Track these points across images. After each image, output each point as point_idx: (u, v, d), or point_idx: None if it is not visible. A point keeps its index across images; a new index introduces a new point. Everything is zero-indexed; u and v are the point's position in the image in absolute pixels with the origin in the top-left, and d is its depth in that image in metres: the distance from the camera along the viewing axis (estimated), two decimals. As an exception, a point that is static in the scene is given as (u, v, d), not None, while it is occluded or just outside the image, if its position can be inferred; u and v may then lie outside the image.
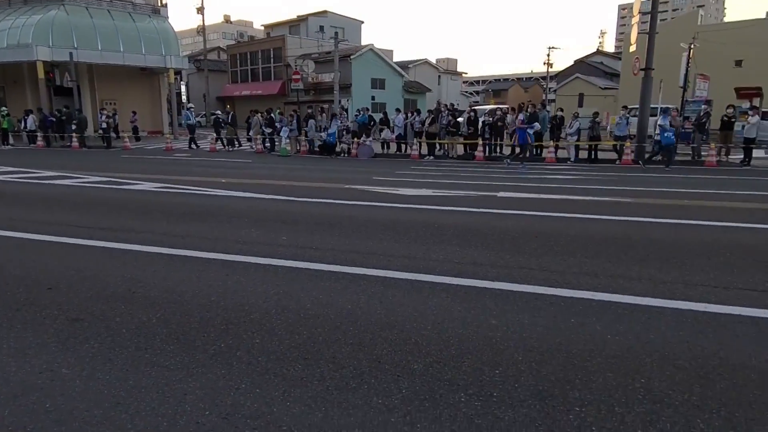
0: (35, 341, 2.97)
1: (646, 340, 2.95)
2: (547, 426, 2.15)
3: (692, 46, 16.24)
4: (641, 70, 14.58)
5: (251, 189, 8.94)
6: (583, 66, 50.34)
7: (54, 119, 21.94)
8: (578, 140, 15.56)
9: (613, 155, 15.67)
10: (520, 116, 15.11)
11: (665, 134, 13.48)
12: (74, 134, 20.65)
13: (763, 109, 19.06)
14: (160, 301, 3.54)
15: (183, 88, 43.35)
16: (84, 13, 24.94)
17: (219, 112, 23.25)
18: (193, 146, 20.69)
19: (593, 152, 15.55)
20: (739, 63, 33.09)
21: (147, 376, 2.56)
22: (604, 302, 3.53)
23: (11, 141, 22.01)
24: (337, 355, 2.77)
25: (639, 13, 14.76)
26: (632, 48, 15.97)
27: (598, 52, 59.31)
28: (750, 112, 14.91)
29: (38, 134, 21.63)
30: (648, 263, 4.45)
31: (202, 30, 44.30)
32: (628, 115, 15.51)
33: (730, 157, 15.29)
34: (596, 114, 15.71)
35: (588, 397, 2.37)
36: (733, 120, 14.70)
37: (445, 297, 3.62)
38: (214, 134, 20.79)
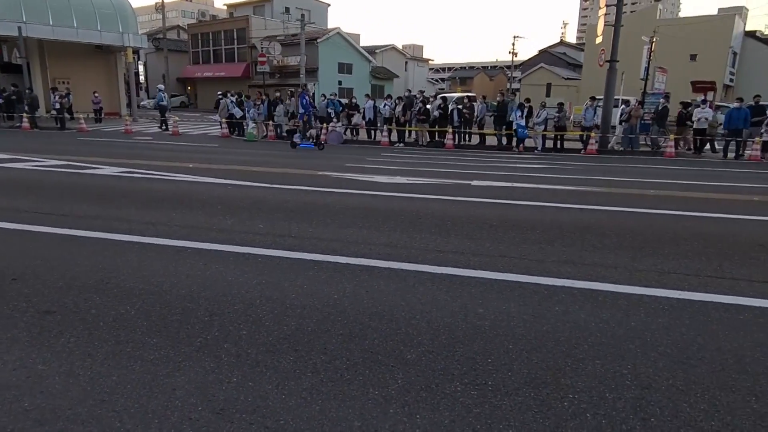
0: (4, 336, 2.80)
1: (628, 326, 3.04)
2: (543, 413, 2.19)
3: (654, 40, 16.70)
4: (607, 62, 14.92)
5: (221, 175, 8.70)
6: (547, 56, 51.22)
7: (1, 99, 20.69)
8: (545, 130, 15.85)
9: (577, 145, 16.07)
10: None
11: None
12: (25, 114, 19.56)
13: (716, 103, 19.92)
14: (136, 292, 3.40)
15: (141, 68, 41.64)
16: (33, -15, 23.46)
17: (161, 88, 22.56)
18: (164, 128, 20.40)
19: (559, 142, 15.89)
20: (693, 57, 34.39)
21: (131, 371, 2.46)
22: (585, 290, 3.61)
23: (-47, 121, 20.67)
24: (329, 346, 2.73)
25: (605, 5, 15.07)
26: (598, 40, 16.32)
27: (561, 43, 60.46)
28: (702, 106, 15.54)
29: (-16, 114, 20.39)
30: (622, 252, 4.59)
31: (161, 7, 42.47)
32: (597, 106, 15.86)
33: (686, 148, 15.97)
34: (561, 105, 16.02)
35: (579, 384, 2.42)
36: (689, 114, 15.30)
37: (431, 286, 3.63)
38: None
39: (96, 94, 23.41)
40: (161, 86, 22.83)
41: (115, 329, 2.88)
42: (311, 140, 15.38)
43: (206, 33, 43.43)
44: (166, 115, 21.03)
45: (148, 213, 5.76)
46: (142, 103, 38.25)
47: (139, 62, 39.50)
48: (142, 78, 42.21)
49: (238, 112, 18.97)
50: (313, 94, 20.26)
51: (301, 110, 16.42)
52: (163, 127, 20.51)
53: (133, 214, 5.68)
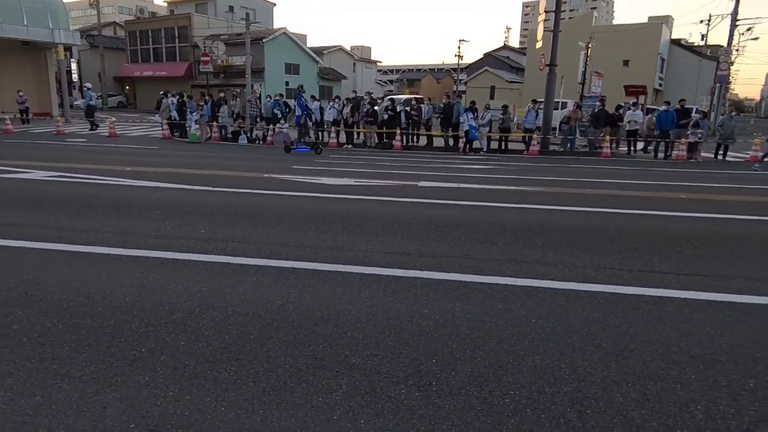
0: None
1: (567, 321, 3.15)
2: (485, 411, 2.23)
3: (590, 46, 17.49)
4: (546, 66, 15.48)
5: (161, 178, 8.36)
6: (491, 59, 52.57)
7: None
8: (490, 131, 16.25)
9: (521, 146, 16.58)
10: None
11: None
12: (-59, 115, 18.09)
13: (647, 106, 21.13)
14: (65, 305, 3.20)
15: (74, 66, 39.42)
16: (-51, -25, 21.75)
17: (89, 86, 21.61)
18: (94, 129, 19.44)
19: (504, 143, 16.34)
20: (626, 62, 36.29)
21: (57, 389, 2.30)
22: (526, 287, 3.71)
23: None
24: (272, 353, 2.67)
25: (544, 11, 15.65)
26: (538, 45, 16.93)
27: (505, 47, 62.21)
28: (633, 108, 16.49)
29: None
30: (561, 249, 4.76)
31: (95, 2, 40.39)
32: (538, 109, 16.41)
33: (620, 148, 16.87)
34: (505, 107, 16.49)
35: (520, 380, 2.48)
36: (620, 115, 16.23)
37: (377, 288, 3.62)
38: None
39: (20, 93, 21.93)
40: (89, 84, 21.70)
41: (39, 345, 2.70)
42: (316, 142, 14.81)
43: (145, 30, 41.64)
44: (95, 116, 20.04)
45: (80, 219, 5.45)
46: (75, 103, 36.16)
47: (72, 60, 37.35)
48: (75, 77, 39.97)
49: (176, 116, 18.34)
50: (260, 95, 19.78)
51: (299, 112, 15.78)
52: (94, 128, 19.55)
53: (64, 221, 5.35)
